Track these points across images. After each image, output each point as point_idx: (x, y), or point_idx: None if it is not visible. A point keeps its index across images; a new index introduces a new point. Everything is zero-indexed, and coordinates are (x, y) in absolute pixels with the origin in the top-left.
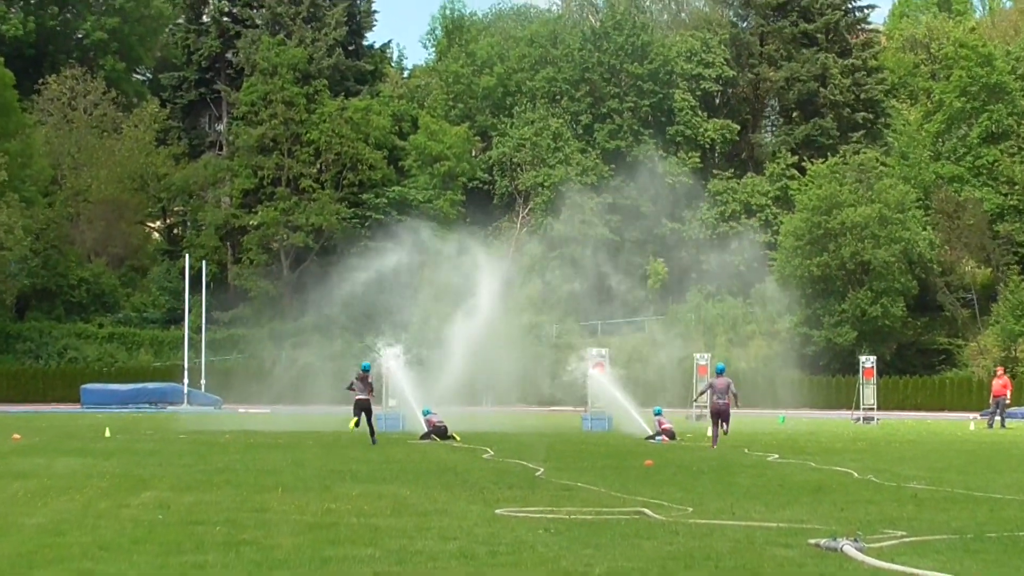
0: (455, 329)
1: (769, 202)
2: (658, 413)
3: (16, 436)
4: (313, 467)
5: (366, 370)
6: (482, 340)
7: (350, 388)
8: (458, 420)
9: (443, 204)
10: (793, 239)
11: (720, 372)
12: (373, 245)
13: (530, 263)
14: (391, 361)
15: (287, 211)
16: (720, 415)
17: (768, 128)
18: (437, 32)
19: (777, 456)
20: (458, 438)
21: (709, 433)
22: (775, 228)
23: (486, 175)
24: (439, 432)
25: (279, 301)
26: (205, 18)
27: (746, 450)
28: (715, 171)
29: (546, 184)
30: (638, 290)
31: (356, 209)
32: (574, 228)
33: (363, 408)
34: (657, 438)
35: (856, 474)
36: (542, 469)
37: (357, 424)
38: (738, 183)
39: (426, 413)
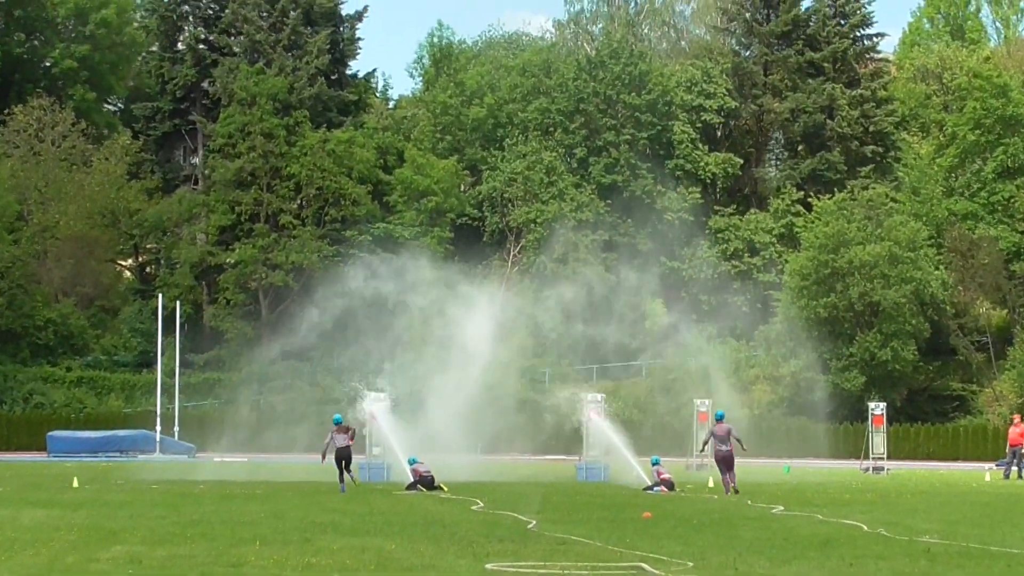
0: (443, 373)
1: (773, 240)
2: (656, 463)
3: None
4: (293, 519)
5: (339, 422)
6: (471, 385)
7: (328, 445)
8: (446, 469)
9: (430, 241)
10: (798, 279)
11: (720, 419)
12: (356, 285)
13: (521, 303)
14: (375, 407)
15: (266, 249)
16: (725, 462)
17: (772, 162)
18: (424, 61)
19: (782, 508)
20: (446, 488)
21: (711, 484)
22: (779, 267)
23: (476, 211)
24: (426, 482)
25: (257, 343)
26: (180, 46)
27: (749, 501)
28: (716, 207)
29: (539, 221)
30: (635, 332)
31: (338, 247)
32: (568, 267)
33: (344, 456)
34: (656, 488)
35: (866, 527)
36: (535, 521)
37: (342, 480)
38: (741, 220)
39: (412, 462)
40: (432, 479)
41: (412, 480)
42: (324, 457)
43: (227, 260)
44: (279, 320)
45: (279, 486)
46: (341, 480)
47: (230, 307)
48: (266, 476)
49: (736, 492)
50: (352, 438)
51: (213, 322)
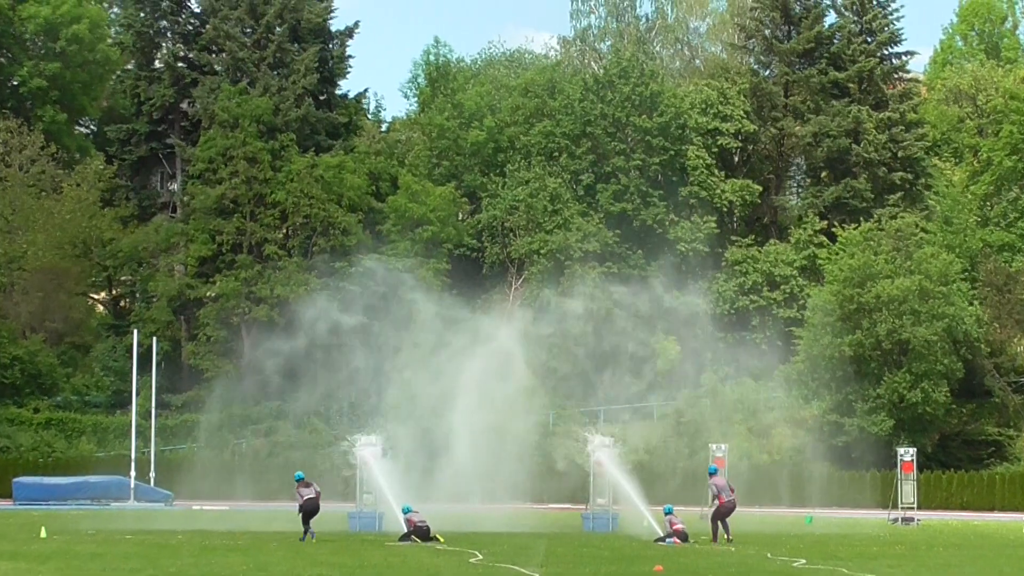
0: (439, 416)
1: (795, 273)
2: (669, 512)
3: None
4: (278, 572)
5: (301, 479)
6: (470, 428)
7: (300, 495)
8: (442, 519)
9: (426, 274)
10: (822, 315)
11: (714, 473)
12: (347, 320)
13: (524, 341)
14: (367, 452)
15: (249, 281)
16: (731, 512)
17: (793, 189)
18: (419, 80)
19: (804, 562)
20: (442, 539)
21: (728, 535)
22: (801, 302)
23: (475, 241)
24: (421, 533)
25: (239, 383)
26: (157, 64)
27: (769, 554)
28: (733, 237)
29: (542, 252)
30: (646, 372)
31: (327, 279)
32: (574, 301)
33: (311, 509)
34: (668, 540)
35: None
36: (538, 575)
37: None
38: (760, 251)
39: (406, 511)
40: (428, 529)
41: (406, 530)
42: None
43: (207, 293)
44: (263, 358)
45: (263, 536)
46: (305, 532)
47: (210, 344)
48: (249, 525)
49: (729, 541)
50: (318, 492)
51: (192, 360)
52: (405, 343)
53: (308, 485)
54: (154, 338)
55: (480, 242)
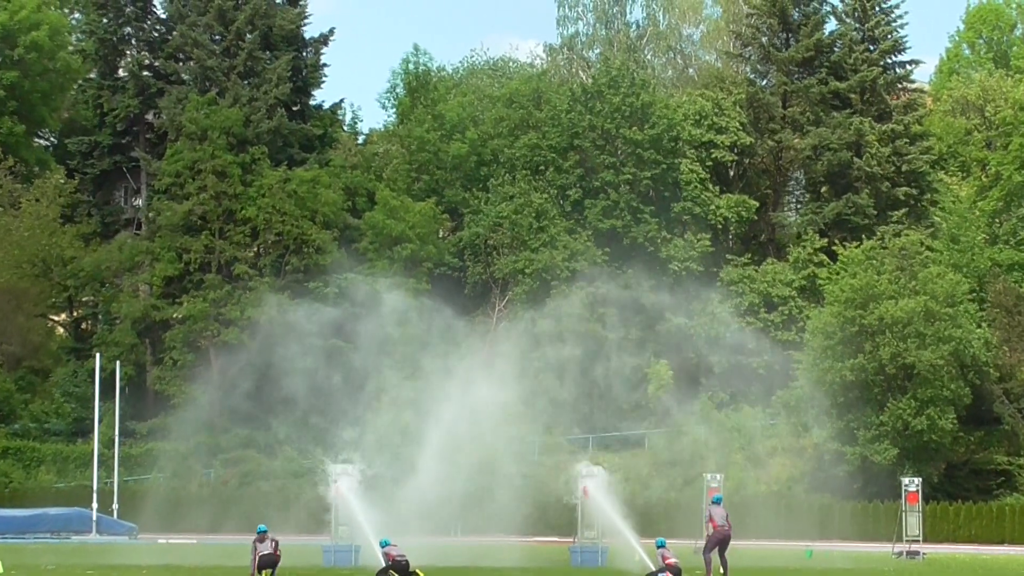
0: (419, 444)
1: (793, 293)
2: (661, 545)
3: None
4: None
5: (263, 532)
6: (451, 458)
7: (255, 549)
8: (423, 552)
9: (405, 294)
10: (822, 338)
11: (717, 502)
12: (321, 343)
13: (508, 365)
14: (342, 482)
15: (218, 302)
16: (726, 544)
17: (792, 205)
18: (398, 90)
19: None
20: (422, 574)
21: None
22: (800, 324)
23: (456, 260)
24: (400, 568)
25: (207, 410)
26: (121, 72)
27: None
28: (729, 256)
29: (527, 271)
30: (637, 398)
31: (300, 300)
32: (560, 323)
33: (269, 564)
34: (660, 575)
35: None
36: None
37: None
38: (756, 271)
39: (384, 544)
40: (407, 564)
41: (384, 564)
42: (253, 570)
43: (174, 315)
44: (233, 384)
45: (232, 571)
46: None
47: (177, 368)
48: (218, 560)
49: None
50: (276, 548)
51: (158, 385)
52: (383, 367)
53: (264, 540)
54: (117, 362)
55: (462, 261)
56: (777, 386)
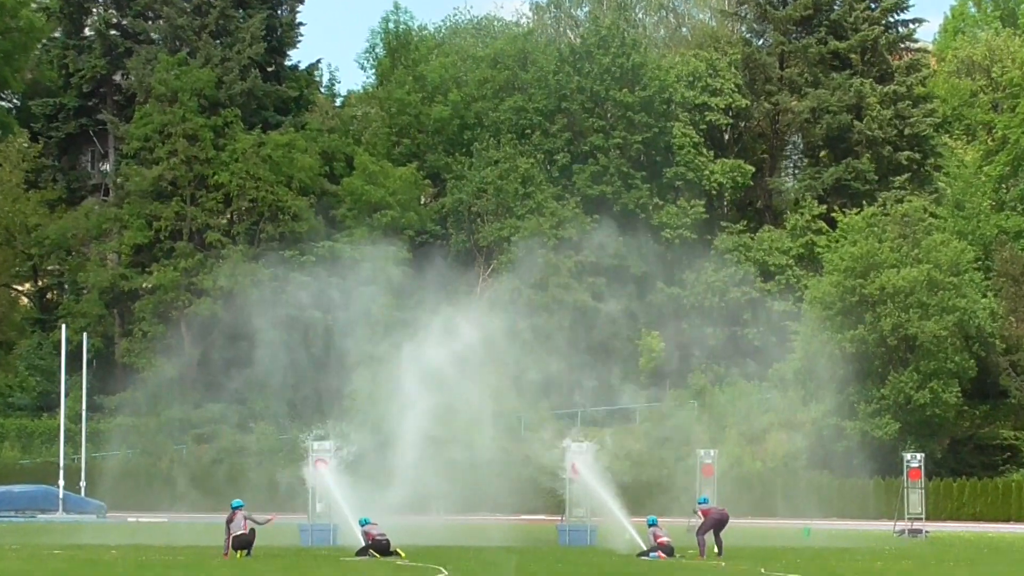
0: (399, 419)
1: (791, 262)
2: (652, 524)
3: None
4: None
5: (238, 507)
6: (432, 433)
7: (228, 529)
8: (403, 532)
9: (384, 263)
10: (821, 308)
11: (704, 503)
12: (297, 315)
13: (492, 336)
14: (319, 459)
15: (189, 271)
16: (723, 524)
17: (790, 171)
18: (378, 50)
19: None
20: (403, 554)
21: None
22: (798, 294)
23: (439, 227)
24: (380, 547)
25: (179, 384)
26: (87, 32)
27: (763, 570)
28: (724, 223)
29: (512, 239)
30: (627, 371)
31: (275, 269)
32: (547, 294)
33: (246, 543)
34: (652, 554)
35: None
36: None
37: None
38: (752, 238)
39: (363, 523)
40: (387, 543)
41: (364, 544)
42: (227, 549)
43: (143, 285)
44: (205, 356)
45: (205, 551)
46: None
47: (146, 340)
48: (190, 539)
49: (719, 555)
50: (250, 526)
51: (126, 358)
52: (361, 339)
53: (234, 519)
54: (84, 334)
55: (445, 228)
56: (774, 359)
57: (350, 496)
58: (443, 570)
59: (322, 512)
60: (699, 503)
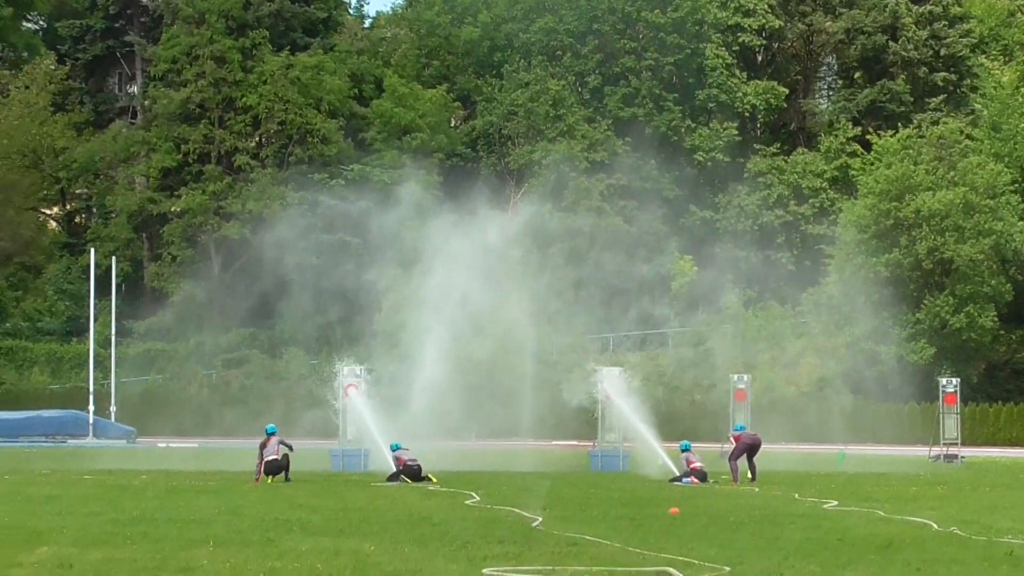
0: (431, 345)
1: (825, 185)
2: (686, 449)
3: None
4: (252, 516)
5: (272, 433)
6: (464, 359)
7: (261, 455)
8: (435, 457)
9: (415, 186)
10: (855, 231)
11: (741, 430)
12: (327, 238)
13: (523, 261)
14: (350, 384)
15: (218, 195)
16: (756, 449)
17: (824, 92)
18: None
19: (836, 503)
20: (435, 479)
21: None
22: (832, 217)
23: (468, 150)
24: (411, 472)
25: (208, 308)
26: None
27: (796, 495)
28: (757, 146)
29: (544, 162)
30: (659, 295)
31: (305, 193)
32: (579, 217)
33: (278, 468)
34: (685, 480)
35: (936, 526)
36: (540, 519)
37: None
38: (786, 161)
39: (395, 448)
40: (419, 468)
41: (395, 469)
42: (259, 474)
43: (172, 208)
44: (234, 280)
45: (235, 477)
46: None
47: (175, 264)
48: (220, 465)
49: (752, 481)
50: (284, 453)
51: (155, 282)
52: (391, 263)
53: (268, 444)
54: (113, 258)
55: (475, 151)
56: (807, 283)
57: (381, 421)
58: (475, 495)
59: (353, 437)
60: (735, 430)
